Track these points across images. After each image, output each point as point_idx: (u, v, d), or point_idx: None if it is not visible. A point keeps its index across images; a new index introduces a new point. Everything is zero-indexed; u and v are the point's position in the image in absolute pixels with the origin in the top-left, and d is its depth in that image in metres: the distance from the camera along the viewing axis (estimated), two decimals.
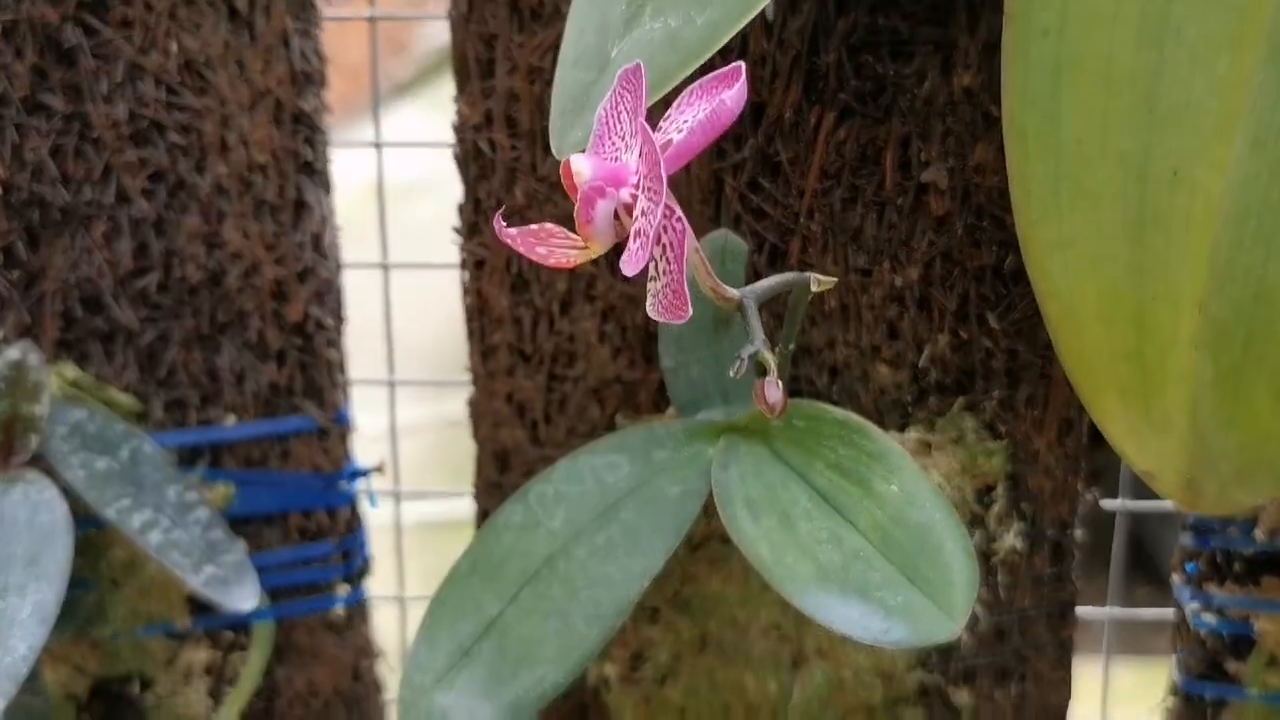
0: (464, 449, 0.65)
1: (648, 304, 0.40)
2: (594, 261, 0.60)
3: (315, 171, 0.62)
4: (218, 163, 0.59)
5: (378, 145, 0.73)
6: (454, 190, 0.61)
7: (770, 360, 0.43)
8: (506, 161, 0.59)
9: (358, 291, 0.70)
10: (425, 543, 0.84)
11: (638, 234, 0.38)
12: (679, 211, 0.39)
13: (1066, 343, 0.49)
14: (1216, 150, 0.44)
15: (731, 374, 0.42)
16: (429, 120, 0.61)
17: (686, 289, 0.39)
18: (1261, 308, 0.45)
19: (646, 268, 0.39)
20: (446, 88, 0.61)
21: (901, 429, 0.59)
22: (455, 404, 0.65)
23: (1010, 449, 0.59)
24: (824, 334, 0.58)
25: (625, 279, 0.59)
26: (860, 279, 0.58)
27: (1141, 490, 0.71)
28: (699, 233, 0.56)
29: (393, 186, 0.75)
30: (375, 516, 0.70)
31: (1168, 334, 0.48)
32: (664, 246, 0.39)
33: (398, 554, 0.78)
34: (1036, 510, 0.61)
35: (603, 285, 0.59)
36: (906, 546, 0.46)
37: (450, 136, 0.60)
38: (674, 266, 0.39)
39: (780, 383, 0.43)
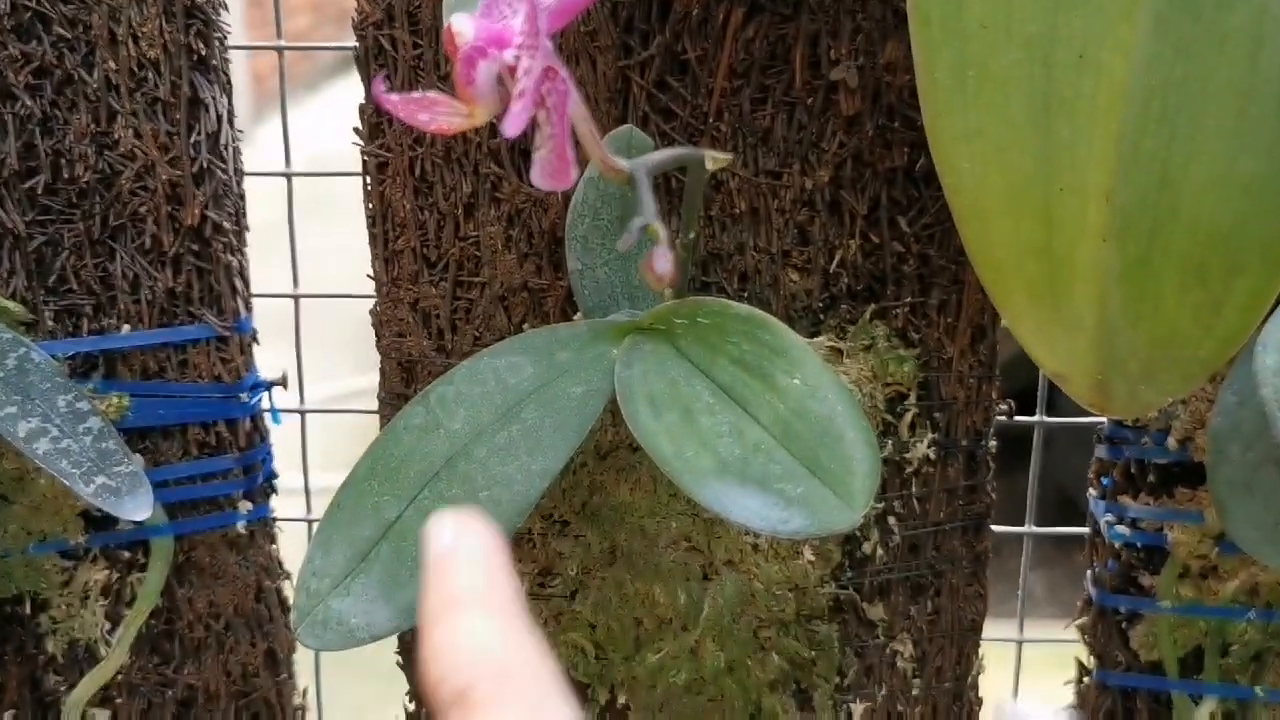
0: None
1: (532, 172, 0.39)
2: (498, 162, 0.58)
3: (210, 68, 0.59)
4: (106, 58, 0.57)
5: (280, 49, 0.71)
6: None
7: (660, 230, 0.42)
8: (408, 60, 0.57)
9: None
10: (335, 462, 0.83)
11: (520, 94, 0.37)
12: (563, 73, 0.37)
13: (974, 239, 0.49)
14: (1121, 30, 0.44)
15: (620, 247, 0.41)
16: None
17: (570, 153, 0.37)
18: (1166, 194, 0.45)
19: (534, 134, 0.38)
20: None
21: (812, 335, 0.58)
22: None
23: (922, 356, 0.59)
24: (733, 239, 0.57)
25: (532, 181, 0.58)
26: (770, 182, 0.56)
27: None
28: (606, 132, 0.55)
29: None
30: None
31: (1076, 226, 0.47)
32: (547, 110, 0.38)
33: (304, 473, 0.76)
34: (949, 420, 0.60)
35: (508, 188, 0.58)
36: (807, 438, 0.45)
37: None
38: (556, 130, 0.37)
39: (671, 254, 0.42)
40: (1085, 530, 0.68)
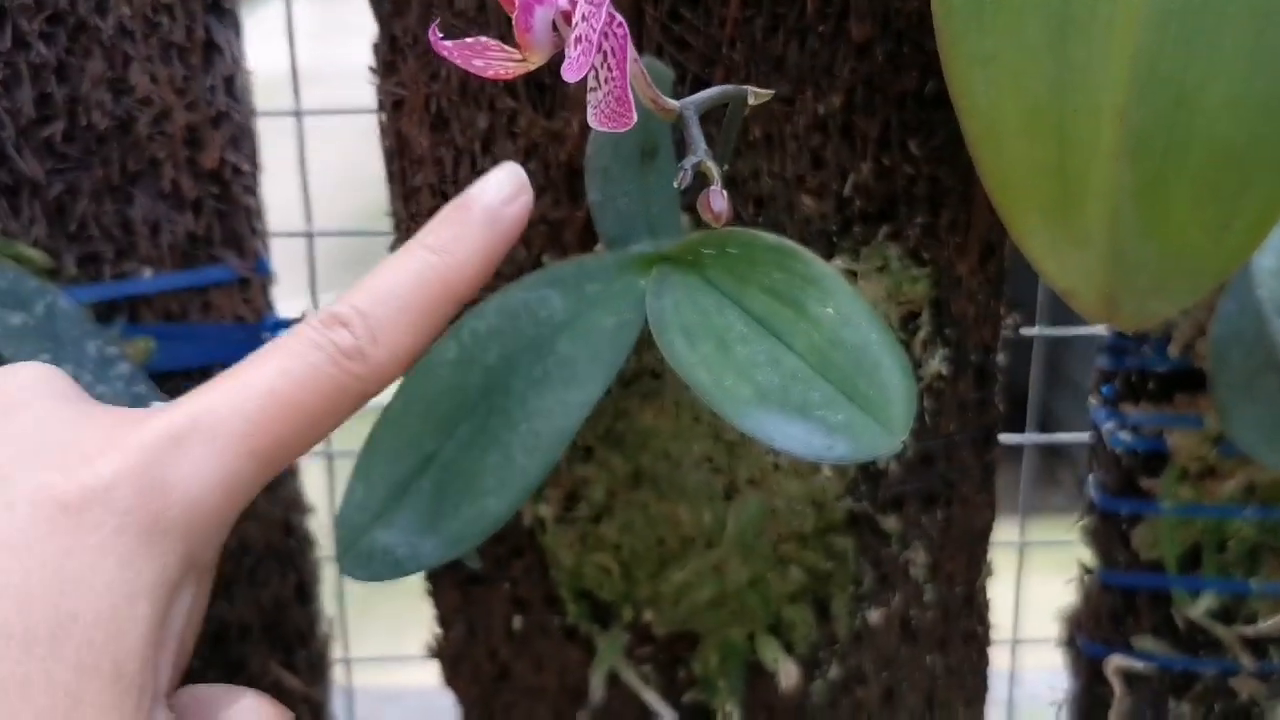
0: None
1: (589, 114, 0.39)
2: (514, 97, 0.59)
3: (224, 11, 0.59)
4: (120, 3, 0.57)
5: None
6: None
7: (714, 169, 0.43)
8: None
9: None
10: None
11: (578, 40, 0.38)
12: (620, 17, 0.38)
13: (987, 160, 0.50)
14: None
15: (676, 185, 0.42)
16: None
17: (630, 95, 0.38)
18: (1182, 113, 0.46)
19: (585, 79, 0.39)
20: None
21: (827, 258, 0.59)
22: None
23: (934, 275, 0.60)
24: (749, 165, 0.58)
25: (548, 114, 0.58)
26: (783, 108, 0.57)
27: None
28: None
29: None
30: None
31: (1089, 146, 0.48)
32: (605, 54, 0.38)
33: None
34: (960, 335, 0.62)
35: (524, 122, 0.59)
36: (844, 366, 0.46)
37: None
38: (616, 73, 0.38)
39: (724, 192, 0.43)
40: (1065, 439, 0.71)
